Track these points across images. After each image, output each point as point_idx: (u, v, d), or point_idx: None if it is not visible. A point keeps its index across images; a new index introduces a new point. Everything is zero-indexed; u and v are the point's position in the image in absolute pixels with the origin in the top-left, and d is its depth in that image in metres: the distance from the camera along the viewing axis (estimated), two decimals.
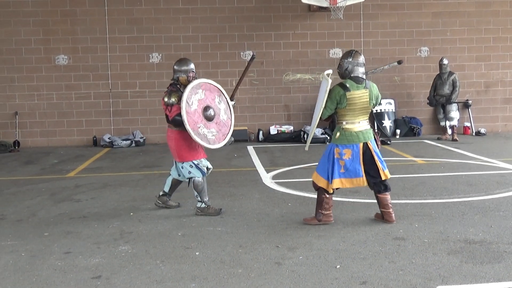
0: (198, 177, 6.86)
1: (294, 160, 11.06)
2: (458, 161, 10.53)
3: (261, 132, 14.32)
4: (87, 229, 6.44)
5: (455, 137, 13.55)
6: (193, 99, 6.66)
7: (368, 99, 6.29)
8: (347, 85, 6.24)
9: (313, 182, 6.49)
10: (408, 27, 14.73)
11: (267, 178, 9.23)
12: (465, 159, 10.74)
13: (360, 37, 14.63)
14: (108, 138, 13.92)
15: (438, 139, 13.87)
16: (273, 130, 14.31)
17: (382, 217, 6.45)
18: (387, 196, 6.41)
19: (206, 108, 6.77)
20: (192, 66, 6.95)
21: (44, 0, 13.98)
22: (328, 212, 6.41)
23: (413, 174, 9.35)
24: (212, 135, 6.78)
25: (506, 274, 4.72)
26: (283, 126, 14.41)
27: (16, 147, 13.64)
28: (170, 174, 7.23)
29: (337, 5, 13.24)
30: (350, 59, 6.32)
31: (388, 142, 13.18)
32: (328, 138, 13.65)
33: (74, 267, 5.16)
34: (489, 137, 14.20)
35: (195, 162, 6.85)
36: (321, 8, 14.03)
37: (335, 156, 6.30)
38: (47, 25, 14.06)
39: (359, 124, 6.30)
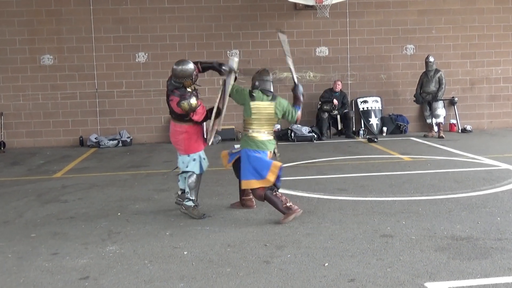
0: (196, 172, 6.84)
1: (282, 159, 11.01)
2: (444, 158, 10.59)
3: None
4: (75, 229, 6.41)
5: (441, 134, 13.62)
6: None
7: (273, 111, 6.71)
8: (254, 94, 6.78)
9: (251, 191, 6.68)
10: (394, 25, 14.79)
11: None
12: (451, 156, 10.80)
13: (346, 35, 14.66)
14: (95, 138, 13.86)
15: (425, 136, 13.94)
16: None
17: (243, 204, 7.08)
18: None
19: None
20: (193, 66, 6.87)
21: (28, 0, 13.88)
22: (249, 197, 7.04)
23: (400, 171, 9.39)
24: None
25: (492, 270, 4.75)
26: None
27: (2, 148, 13.53)
28: (180, 172, 7.10)
29: (323, 4, 13.27)
30: (258, 76, 6.97)
31: (375, 140, 13.23)
32: (316, 136, 13.69)
33: (62, 268, 5.13)
34: (475, 134, 14.29)
35: (201, 154, 6.87)
36: (307, 7, 14.04)
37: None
38: (32, 25, 13.96)
39: (265, 134, 6.72)
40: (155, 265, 5.15)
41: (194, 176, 6.85)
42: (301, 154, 11.50)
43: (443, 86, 13.79)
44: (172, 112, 6.88)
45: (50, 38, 14.02)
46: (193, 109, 6.63)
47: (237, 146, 7.13)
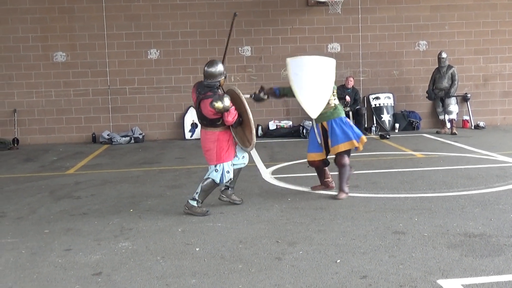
0: (214, 181, 6.82)
1: (294, 155, 11.06)
2: (457, 155, 10.53)
3: (260, 128, 14.31)
4: (87, 226, 6.45)
5: (454, 130, 13.56)
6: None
7: None
8: None
9: (337, 158, 7.36)
10: (406, 21, 14.71)
11: (266, 173, 9.23)
12: (464, 153, 10.75)
13: (358, 32, 14.61)
14: (107, 135, 13.91)
15: (437, 133, 13.87)
16: (272, 125, 14.31)
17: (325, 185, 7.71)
18: None
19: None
20: None
21: None
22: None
23: (412, 168, 9.35)
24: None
25: (506, 267, 4.73)
26: (282, 121, 14.42)
27: (15, 145, 13.63)
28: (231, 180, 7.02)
29: (335, 0, 13.22)
30: None
31: (387, 136, 13.18)
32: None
33: (75, 264, 5.16)
34: (488, 130, 14.20)
35: (225, 167, 6.79)
36: (319, 3, 14.01)
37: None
38: (44, 22, 14.03)
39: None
40: (167, 261, 5.17)
41: (210, 182, 6.82)
42: None
43: (455, 82, 13.71)
44: (203, 118, 6.79)
45: (63, 35, 14.09)
46: (226, 109, 6.56)
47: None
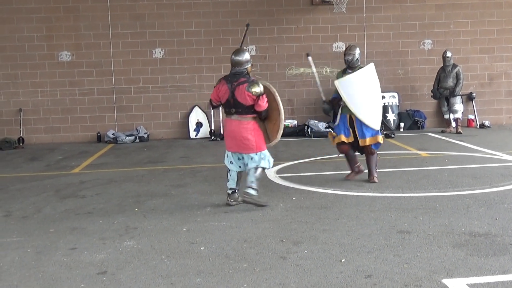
0: (267, 168, 7.10)
1: (298, 155, 11.06)
2: (462, 154, 10.51)
3: None
4: (92, 225, 6.46)
5: (459, 130, 13.53)
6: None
7: None
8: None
9: (367, 148, 8.01)
10: (411, 19, 14.69)
11: (271, 172, 9.23)
12: (469, 152, 10.72)
13: (363, 31, 14.60)
14: (112, 134, 13.94)
15: (442, 132, 13.85)
16: None
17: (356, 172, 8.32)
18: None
19: None
20: None
21: None
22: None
23: (417, 167, 9.34)
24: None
25: (511, 266, 4.71)
26: (286, 121, 14.39)
27: (21, 144, 13.67)
28: (231, 170, 7.10)
29: None
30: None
31: (392, 136, 13.16)
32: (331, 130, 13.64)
33: (80, 263, 5.17)
34: (493, 129, 14.17)
35: (267, 153, 7.05)
36: (324, 2, 14.01)
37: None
38: (50, 21, 14.06)
39: None
40: (172, 260, 5.17)
41: (263, 171, 7.10)
42: (318, 150, 11.47)
43: (461, 82, 13.68)
44: (238, 106, 6.88)
45: (68, 35, 14.12)
46: (262, 93, 6.80)
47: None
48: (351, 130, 8.04)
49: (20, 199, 7.91)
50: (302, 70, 14.44)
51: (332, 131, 8.43)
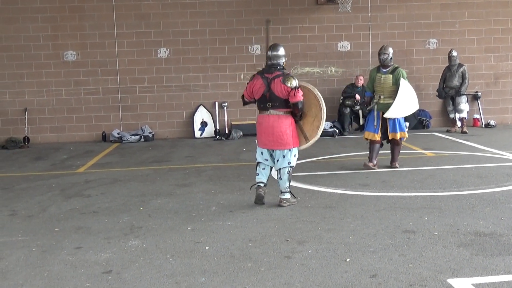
0: (294, 166, 7.08)
1: (303, 154, 11.01)
2: (467, 154, 10.49)
3: None
4: (98, 224, 6.47)
5: (465, 129, 13.49)
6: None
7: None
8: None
9: (395, 141, 9.08)
10: (417, 19, 14.66)
11: (276, 172, 9.21)
12: (474, 152, 10.70)
13: (368, 30, 14.57)
14: (117, 133, 13.95)
15: (448, 131, 13.82)
16: None
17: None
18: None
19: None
20: None
21: None
22: None
23: (422, 166, 9.33)
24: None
25: None
26: None
27: (26, 143, 13.70)
28: (265, 167, 7.11)
29: None
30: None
31: None
32: (337, 131, 13.64)
33: (85, 262, 5.19)
34: (498, 129, 14.13)
35: (296, 150, 7.11)
36: (328, 1, 13.98)
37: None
38: (55, 21, 14.08)
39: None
40: (177, 259, 5.18)
41: (291, 169, 7.06)
42: (323, 149, 11.46)
43: (466, 81, 13.65)
44: (275, 100, 6.94)
45: (73, 34, 14.14)
46: (298, 86, 6.89)
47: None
48: (381, 126, 8.96)
49: (26, 198, 7.93)
50: (307, 69, 14.43)
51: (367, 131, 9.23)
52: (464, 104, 13.74)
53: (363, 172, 8.94)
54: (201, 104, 14.28)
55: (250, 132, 14.04)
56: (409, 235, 5.66)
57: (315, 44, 14.50)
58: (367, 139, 9.17)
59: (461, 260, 4.90)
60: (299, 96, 6.89)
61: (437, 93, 14.08)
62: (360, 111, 13.89)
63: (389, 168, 9.12)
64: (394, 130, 9.00)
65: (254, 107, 15.03)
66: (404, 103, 8.83)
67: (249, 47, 14.41)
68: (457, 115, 13.78)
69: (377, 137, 9.00)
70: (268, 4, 14.39)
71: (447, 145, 11.67)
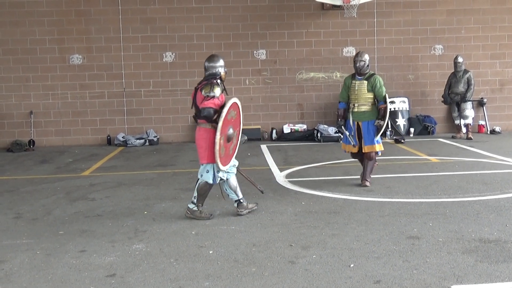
0: (209, 182, 6.68)
1: (308, 159, 11.05)
2: (472, 160, 10.47)
3: (274, 131, 14.31)
4: (102, 227, 6.48)
5: (470, 135, 13.47)
6: (231, 113, 6.65)
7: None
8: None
9: (369, 154, 8.24)
10: (422, 25, 14.65)
11: (280, 176, 9.23)
12: (479, 158, 10.67)
13: (373, 35, 14.57)
14: (122, 137, 13.98)
15: (453, 137, 13.79)
16: (287, 129, 14.30)
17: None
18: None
19: (229, 129, 6.67)
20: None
21: (58, 0, 14.06)
22: None
23: (427, 172, 9.31)
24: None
25: None
26: (296, 125, 14.40)
27: (31, 146, 13.74)
28: (223, 180, 6.85)
29: (351, 3, 13.20)
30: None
31: (402, 141, 13.13)
32: (342, 136, 13.62)
33: (89, 265, 5.19)
34: (504, 135, 14.10)
35: (215, 167, 6.62)
36: (334, 7, 13.98)
37: None
38: (61, 25, 14.14)
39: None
40: (181, 263, 5.18)
41: (203, 184, 6.71)
42: (327, 155, 11.46)
43: (471, 87, 13.63)
44: (197, 110, 6.69)
45: (79, 38, 14.19)
46: (211, 95, 6.49)
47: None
48: (357, 138, 8.33)
49: (30, 201, 7.95)
50: (312, 74, 14.44)
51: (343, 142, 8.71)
52: (469, 110, 13.71)
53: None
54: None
55: (255, 136, 14.07)
56: (414, 241, 5.65)
57: (320, 49, 14.51)
58: (345, 151, 8.62)
59: (466, 266, 4.88)
60: (208, 103, 6.48)
61: (443, 99, 14.06)
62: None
63: (359, 184, 8.35)
64: (370, 142, 8.24)
65: (259, 111, 15.07)
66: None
67: (255, 52, 14.42)
68: (462, 121, 13.76)
69: (355, 148, 8.35)
70: (273, 9, 14.41)
71: (452, 151, 11.65)
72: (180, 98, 14.34)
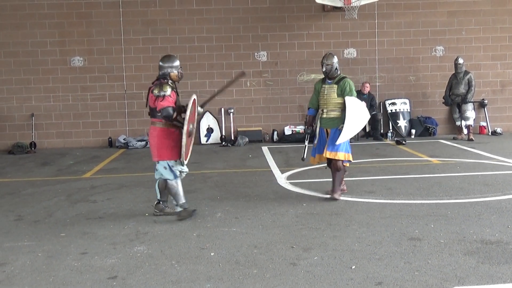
0: (170, 179, 6.78)
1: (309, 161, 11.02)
2: (474, 161, 10.46)
3: (275, 133, 14.32)
4: (103, 229, 6.48)
5: (471, 136, 13.46)
6: (191, 109, 6.75)
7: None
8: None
9: (335, 161, 7.52)
10: (423, 26, 14.66)
11: (281, 178, 9.23)
12: (481, 159, 10.67)
13: (374, 37, 14.58)
14: (123, 139, 13.98)
15: (454, 138, 13.78)
16: (288, 131, 14.30)
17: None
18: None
19: (191, 124, 6.75)
20: (178, 62, 7.10)
21: (59, 3, 14.08)
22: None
23: (428, 174, 9.30)
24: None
25: None
26: (297, 127, 14.39)
27: (33, 148, 13.75)
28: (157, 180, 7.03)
29: (352, 5, 13.22)
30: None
31: (403, 142, 13.12)
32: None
33: (91, 268, 5.19)
34: (505, 136, 14.09)
35: (170, 163, 6.74)
36: (335, 8, 14.01)
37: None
38: (62, 27, 14.15)
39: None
40: (182, 265, 5.18)
41: (169, 182, 6.80)
42: None
43: (472, 88, 13.63)
44: (149, 109, 6.89)
45: (80, 40, 14.21)
46: (162, 95, 6.63)
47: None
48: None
49: (32, 203, 7.95)
50: (313, 76, 14.43)
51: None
52: (470, 112, 13.71)
53: (369, 179, 8.93)
54: (207, 111, 14.29)
55: (256, 138, 14.06)
56: (415, 242, 5.64)
57: (321, 50, 14.46)
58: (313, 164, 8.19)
59: (467, 268, 4.88)
60: (164, 103, 6.60)
61: (444, 101, 14.06)
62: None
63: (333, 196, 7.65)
64: (333, 149, 7.51)
65: (261, 113, 15.04)
66: (354, 122, 7.45)
67: (256, 53, 14.43)
68: (464, 123, 13.75)
69: (317, 159, 7.88)
70: (274, 11, 14.42)
71: (453, 153, 11.64)
72: (180, 100, 14.30)
